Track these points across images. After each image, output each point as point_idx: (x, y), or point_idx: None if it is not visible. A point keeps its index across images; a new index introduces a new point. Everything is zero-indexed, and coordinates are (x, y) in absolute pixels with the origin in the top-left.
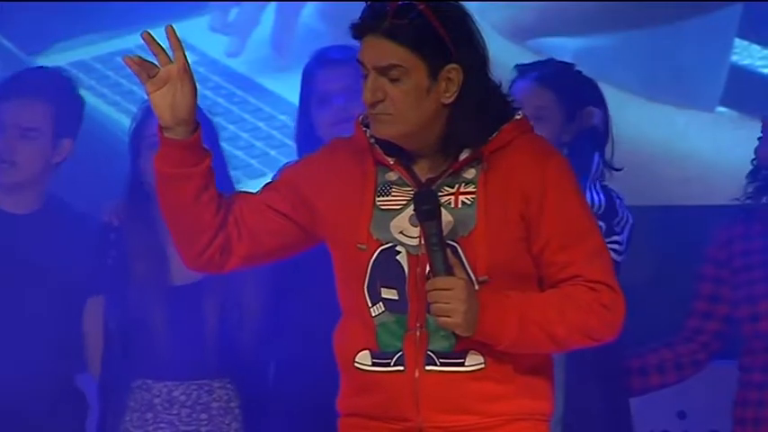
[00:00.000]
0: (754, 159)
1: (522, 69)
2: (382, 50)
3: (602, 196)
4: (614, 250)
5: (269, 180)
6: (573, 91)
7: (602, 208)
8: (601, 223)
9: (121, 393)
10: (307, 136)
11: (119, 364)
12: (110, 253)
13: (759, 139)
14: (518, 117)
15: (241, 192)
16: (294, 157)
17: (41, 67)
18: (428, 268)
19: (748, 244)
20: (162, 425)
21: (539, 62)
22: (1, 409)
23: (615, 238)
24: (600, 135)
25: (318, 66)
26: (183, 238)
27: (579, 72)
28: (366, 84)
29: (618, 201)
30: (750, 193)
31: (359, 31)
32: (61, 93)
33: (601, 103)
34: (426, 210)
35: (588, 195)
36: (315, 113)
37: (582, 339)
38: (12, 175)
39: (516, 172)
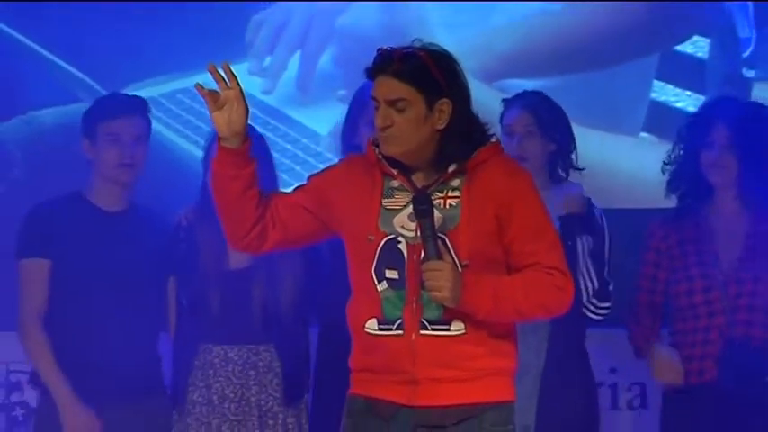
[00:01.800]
0: (666, 164)
1: (508, 102)
2: (391, 87)
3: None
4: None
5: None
6: (546, 111)
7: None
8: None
9: (190, 354)
10: (350, 145)
11: (188, 330)
12: (181, 245)
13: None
14: (493, 141)
15: (278, 192)
16: (316, 170)
17: (128, 94)
18: (422, 254)
19: (682, 235)
20: (219, 378)
21: (518, 95)
22: (107, 361)
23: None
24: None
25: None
26: (229, 225)
27: (547, 97)
28: (378, 113)
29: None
30: (677, 196)
31: (372, 72)
32: (147, 110)
33: (564, 117)
34: (422, 209)
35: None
36: (362, 131)
37: (540, 312)
38: (132, 175)
39: (492, 182)
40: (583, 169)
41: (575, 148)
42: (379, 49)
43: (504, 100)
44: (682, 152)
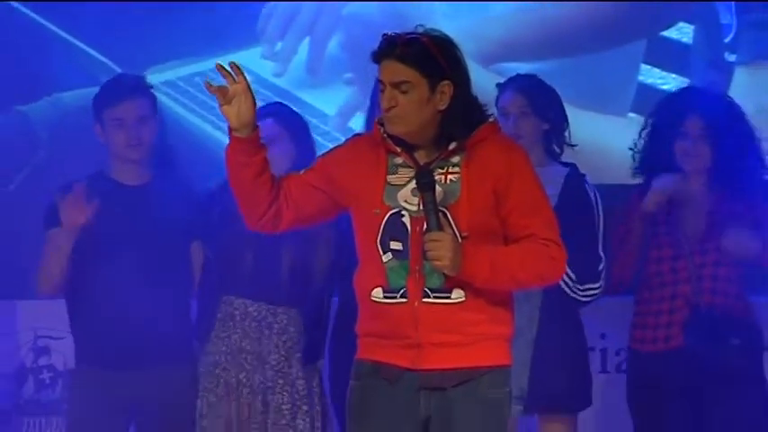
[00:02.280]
0: (633, 150)
1: (503, 85)
2: (396, 70)
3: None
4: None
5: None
6: (538, 92)
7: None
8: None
9: (213, 305)
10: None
11: (213, 284)
12: (215, 210)
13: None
14: (491, 120)
15: (291, 174)
16: (324, 147)
17: (132, 74)
18: (425, 226)
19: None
20: (237, 330)
21: (511, 78)
22: (131, 326)
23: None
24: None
25: None
26: (245, 208)
27: (540, 80)
28: (383, 95)
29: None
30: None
31: (378, 56)
32: (148, 89)
33: (556, 98)
34: (424, 183)
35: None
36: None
37: (535, 280)
38: (141, 153)
39: (490, 159)
40: (575, 146)
41: (567, 126)
42: (384, 34)
43: (498, 84)
44: (651, 138)
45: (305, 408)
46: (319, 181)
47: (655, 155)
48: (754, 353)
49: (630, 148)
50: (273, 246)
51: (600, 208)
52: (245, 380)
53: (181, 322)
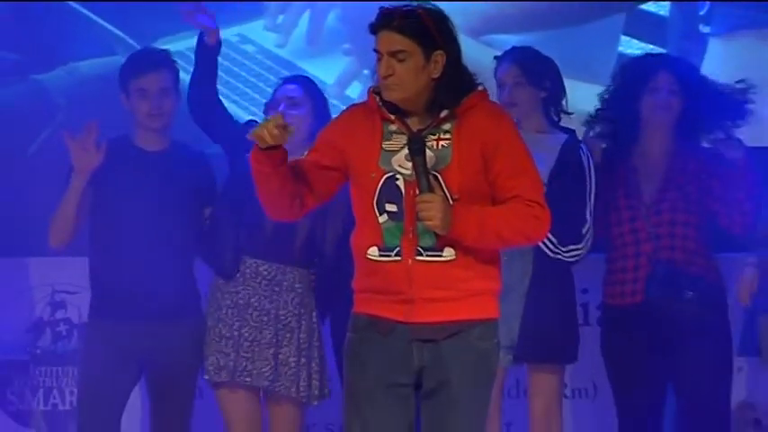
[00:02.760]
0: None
1: (500, 57)
2: (393, 40)
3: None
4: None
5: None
6: (532, 63)
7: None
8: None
9: (232, 265)
10: None
11: (229, 246)
12: (235, 174)
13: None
14: (480, 89)
15: (301, 161)
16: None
17: (156, 48)
18: (417, 189)
19: (612, 174)
20: (248, 288)
21: (507, 51)
22: (146, 281)
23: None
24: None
25: None
26: (270, 207)
27: (535, 51)
28: (381, 63)
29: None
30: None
31: (376, 28)
32: (171, 62)
33: (553, 67)
34: (416, 148)
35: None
36: None
37: (520, 238)
38: (162, 122)
39: (479, 125)
40: (572, 113)
41: (565, 94)
42: (381, 7)
43: (496, 57)
44: (616, 92)
45: (303, 360)
46: (327, 158)
47: (618, 108)
48: (713, 306)
49: (596, 109)
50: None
51: (593, 173)
52: (246, 333)
53: (189, 280)
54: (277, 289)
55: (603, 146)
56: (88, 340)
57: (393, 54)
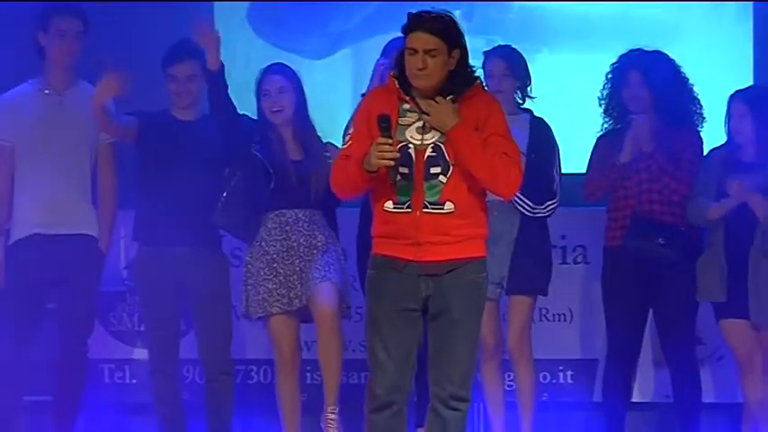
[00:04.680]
0: (600, 99)
1: (488, 52)
2: (428, 40)
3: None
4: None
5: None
6: (514, 59)
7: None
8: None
9: (258, 220)
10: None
11: (256, 197)
12: (269, 141)
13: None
14: (478, 82)
15: (357, 155)
16: None
17: (187, 39)
18: (426, 155)
19: (611, 147)
20: (276, 229)
21: (494, 48)
22: (176, 217)
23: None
24: None
25: None
26: (348, 196)
27: (515, 49)
28: (416, 58)
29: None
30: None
31: (410, 29)
32: (197, 53)
33: (523, 61)
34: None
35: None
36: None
37: (488, 169)
38: (188, 101)
39: (476, 109)
40: (535, 97)
41: (530, 82)
42: (410, 12)
43: (484, 51)
44: (609, 92)
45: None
46: (367, 141)
47: (612, 105)
48: (685, 249)
49: (599, 98)
50: (307, 173)
51: (557, 142)
52: (297, 261)
53: (208, 217)
54: (314, 226)
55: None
56: (139, 271)
57: (427, 51)
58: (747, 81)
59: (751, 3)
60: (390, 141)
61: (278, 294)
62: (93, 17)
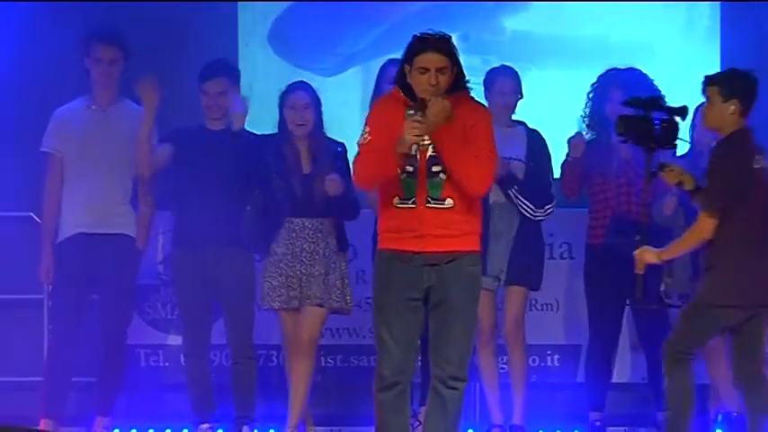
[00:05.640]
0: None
1: (500, 72)
2: (439, 60)
3: None
4: None
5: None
6: (520, 80)
7: None
8: None
9: (279, 225)
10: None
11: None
12: (284, 156)
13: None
14: (470, 90)
15: (380, 141)
16: None
17: (219, 58)
18: (428, 153)
19: (590, 157)
20: (293, 233)
21: (503, 67)
22: (205, 220)
23: None
24: None
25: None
26: (373, 185)
27: (510, 67)
28: (430, 75)
29: None
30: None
31: (422, 49)
32: (227, 71)
33: (515, 74)
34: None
35: None
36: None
37: (461, 172)
38: (218, 113)
39: (467, 113)
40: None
41: (522, 98)
42: (422, 34)
43: (494, 68)
44: (591, 109)
45: (332, 276)
46: (390, 139)
47: (594, 119)
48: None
49: (581, 115)
50: (315, 185)
51: (549, 150)
52: (298, 265)
53: (237, 221)
54: (319, 234)
55: (587, 137)
56: (175, 267)
57: (438, 69)
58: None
59: (719, 24)
60: (422, 120)
61: (279, 292)
62: (134, 43)
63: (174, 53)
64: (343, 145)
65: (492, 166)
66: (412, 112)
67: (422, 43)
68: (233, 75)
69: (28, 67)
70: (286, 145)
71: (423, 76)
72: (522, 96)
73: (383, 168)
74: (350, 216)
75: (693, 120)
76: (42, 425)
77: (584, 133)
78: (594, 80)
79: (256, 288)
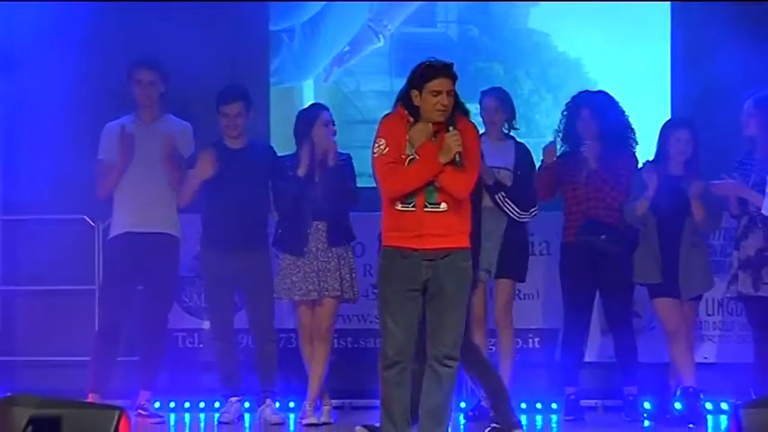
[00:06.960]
0: (557, 132)
1: (484, 92)
2: (449, 84)
3: None
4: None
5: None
6: (506, 99)
7: None
8: None
9: (305, 228)
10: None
11: (298, 210)
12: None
13: (563, 125)
14: (464, 113)
15: (396, 155)
16: None
17: (235, 84)
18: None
19: (564, 168)
20: (312, 238)
21: (491, 89)
22: (230, 227)
23: None
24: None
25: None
26: (406, 194)
27: (504, 90)
28: (442, 97)
29: None
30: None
31: (434, 75)
32: (244, 95)
33: (510, 99)
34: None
35: None
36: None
37: (443, 180)
38: (235, 133)
39: (463, 134)
40: (518, 128)
41: (515, 116)
42: (427, 64)
43: (482, 91)
44: (565, 124)
45: (342, 271)
46: (399, 150)
47: (568, 134)
48: (623, 243)
49: (556, 130)
50: (325, 192)
51: (534, 160)
52: (315, 262)
53: (262, 228)
54: (327, 234)
55: (560, 150)
56: (203, 265)
57: (448, 92)
58: (666, 110)
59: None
60: (458, 134)
61: (299, 286)
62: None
63: (202, 76)
64: (348, 154)
65: (472, 174)
66: (453, 129)
67: (433, 70)
68: (247, 99)
69: (84, 88)
70: (303, 159)
71: (436, 98)
72: (512, 116)
73: (427, 177)
74: (354, 206)
75: (664, 130)
76: (90, 398)
77: (557, 146)
78: (569, 100)
79: (272, 283)
